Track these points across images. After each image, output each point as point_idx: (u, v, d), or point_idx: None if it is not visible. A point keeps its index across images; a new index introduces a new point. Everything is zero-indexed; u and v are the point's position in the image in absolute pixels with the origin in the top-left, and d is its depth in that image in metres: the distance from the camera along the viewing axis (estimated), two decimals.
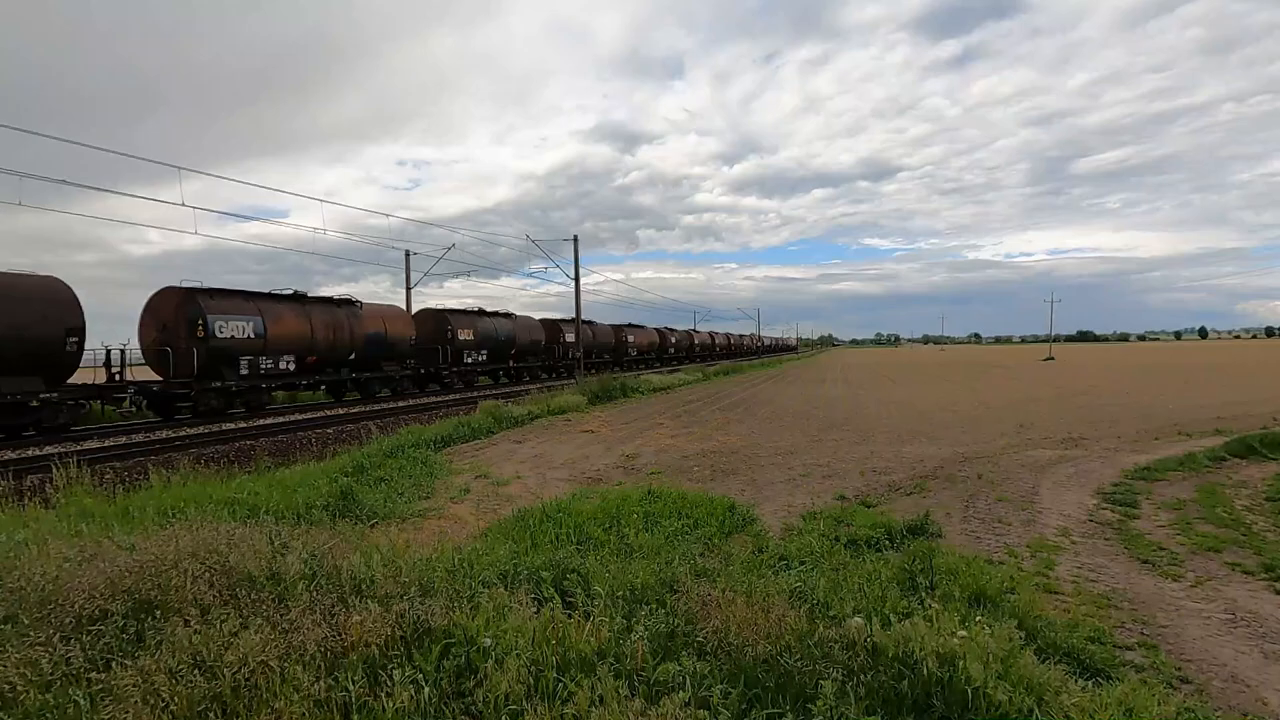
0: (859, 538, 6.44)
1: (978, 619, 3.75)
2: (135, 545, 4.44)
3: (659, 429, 16.48)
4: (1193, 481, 9.42)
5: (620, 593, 4.34)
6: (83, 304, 16.79)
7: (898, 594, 4.61)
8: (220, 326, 19.44)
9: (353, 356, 24.90)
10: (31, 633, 3.38)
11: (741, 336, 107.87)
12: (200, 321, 19.05)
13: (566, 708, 3.03)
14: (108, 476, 10.42)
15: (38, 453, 13.59)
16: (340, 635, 3.47)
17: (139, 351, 19.77)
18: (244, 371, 20.36)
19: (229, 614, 3.57)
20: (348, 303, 25.26)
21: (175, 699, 2.94)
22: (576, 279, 33.22)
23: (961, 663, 3.19)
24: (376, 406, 23.60)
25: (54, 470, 8.85)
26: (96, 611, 3.55)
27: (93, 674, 3.10)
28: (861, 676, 3.24)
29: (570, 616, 3.88)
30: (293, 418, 20.06)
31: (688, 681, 3.23)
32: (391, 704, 3.01)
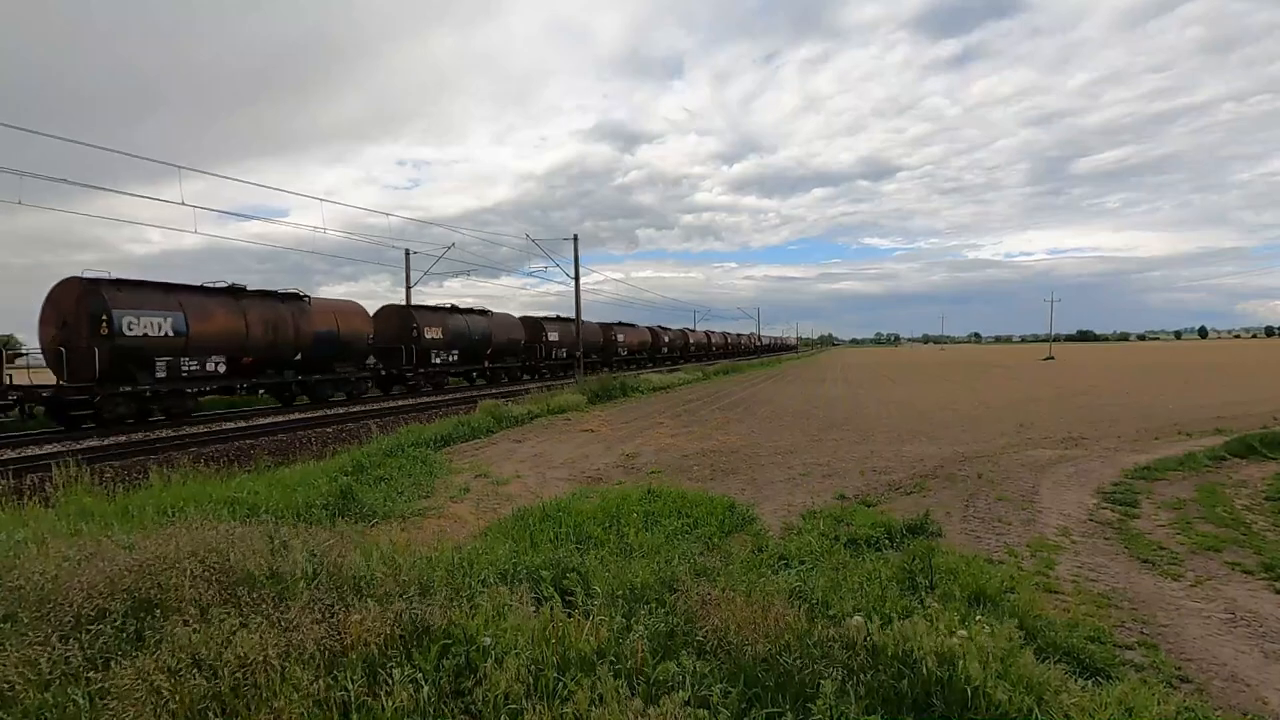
0: (859, 537, 6.44)
1: (978, 618, 3.75)
2: (135, 544, 4.45)
3: (659, 428, 16.48)
4: (1193, 481, 9.42)
5: (620, 592, 4.34)
6: None
7: (897, 593, 4.60)
8: (129, 323, 16.88)
9: (299, 357, 22.24)
10: (30, 631, 3.38)
11: (739, 336, 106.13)
12: (104, 317, 16.46)
13: (566, 707, 3.03)
14: (107, 475, 10.43)
15: (37, 451, 13.59)
16: (339, 634, 3.47)
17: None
18: (161, 374, 17.85)
19: (228, 613, 3.56)
20: (293, 297, 22.69)
21: (175, 698, 2.94)
22: (576, 278, 33.21)
23: (961, 662, 3.19)
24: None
25: (53, 469, 8.85)
26: (96, 610, 3.55)
27: (92, 673, 3.10)
28: (861, 676, 3.24)
29: (570, 616, 3.87)
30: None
31: (687, 681, 3.23)
32: (391, 703, 3.01)
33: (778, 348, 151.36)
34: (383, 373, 27.29)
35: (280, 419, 19.63)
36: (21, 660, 3.11)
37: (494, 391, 28.31)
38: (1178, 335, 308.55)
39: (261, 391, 22.50)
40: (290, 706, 2.96)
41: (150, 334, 17.43)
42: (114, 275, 17.47)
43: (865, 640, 3.50)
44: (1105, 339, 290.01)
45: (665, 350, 62.67)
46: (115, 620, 3.52)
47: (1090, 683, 3.54)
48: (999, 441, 13.32)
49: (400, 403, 24.64)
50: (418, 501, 8.78)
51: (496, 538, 6.21)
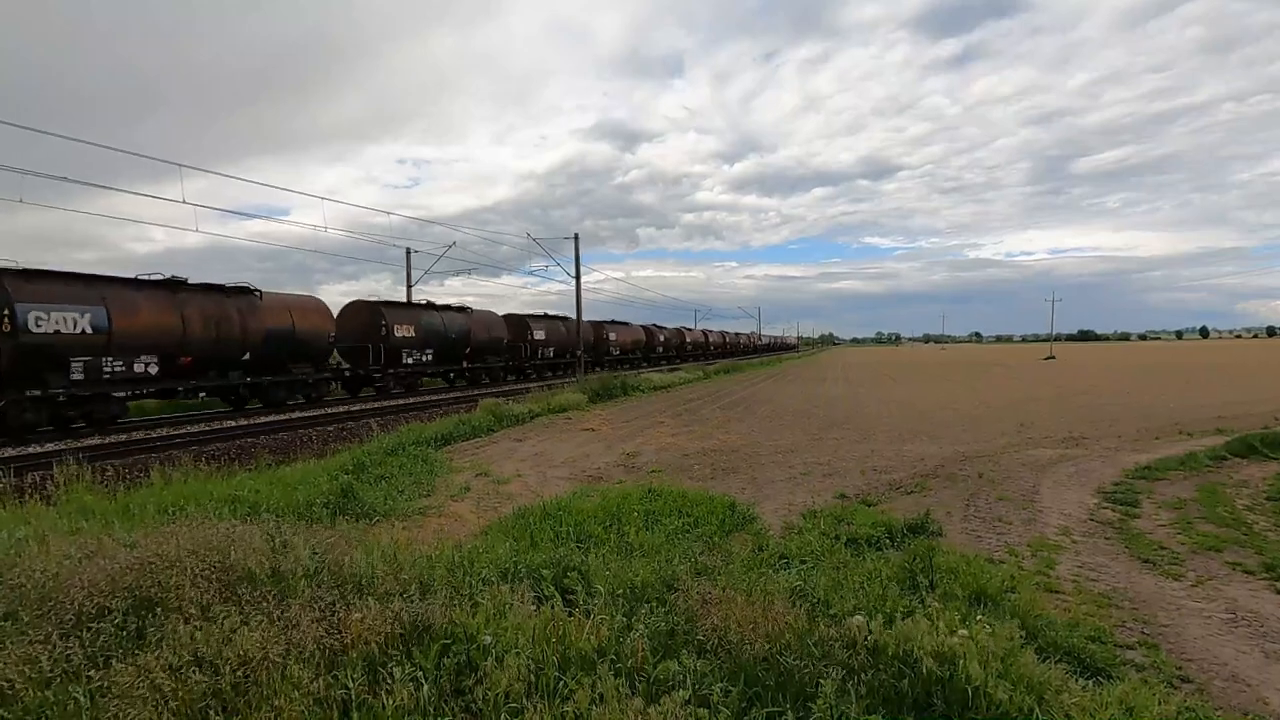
0: (859, 536, 6.44)
1: (978, 618, 3.74)
2: (136, 542, 4.45)
3: (659, 427, 16.48)
4: (1194, 481, 9.41)
5: (620, 591, 4.34)
6: None
7: (898, 593, 4.60)
8: (37, 319, 14.94)
9: (247, 356, 20.32)
10: (31, 629, 3.38)
11: (738, 335, 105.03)
12: (6, 312, 14.59)
13: (567, 706, 3.03)
14: (108, 474, 10.44)
15: (39, 450, 13.60)
16: (340, 632, 3.47)
17: None
18: (77, 376, 15.75)
19: (229, 611, 3.56)
20: (242, 291, 20.71)
21: (175, 696, 2.94)
22: (578, 277, 33.21)
23: (962, 662, 3.19)
24: (278, 418, 19.21)
25: (55, 467, 8.86)
26: (96, 608, 3.55)
27: (93, 671, 3.10)
28: (862, 675, 3.24)
29: (570, 614, 3.87)
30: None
31: (688, 680, 3.23)
32: (391, 701, 3.01)
33: (778, 347, 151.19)
34: (347, 373, 25.50)
35: (279, 418, 19.17)
36: (22, 658, 3.11)
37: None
38: (1179, 335, 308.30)
39: (203, 395, 20.28)
40: (291, 704, 2.96)
41: (63, 330, 15.41)
42: (22, 265, 15.47)
43: (866, 639, 3.50)
44: (1106, 339, 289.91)
45: (660, 350, 60.67)
46: (116, 618, 3.52)
47: (1091, 682, 3.53)
48: (1000, 441, 13.32)
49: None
50: (418, 500, 8.78)
51: (497, 536, 6.21)
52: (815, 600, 4.38)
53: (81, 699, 2.94)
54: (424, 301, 30.81)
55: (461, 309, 32.25)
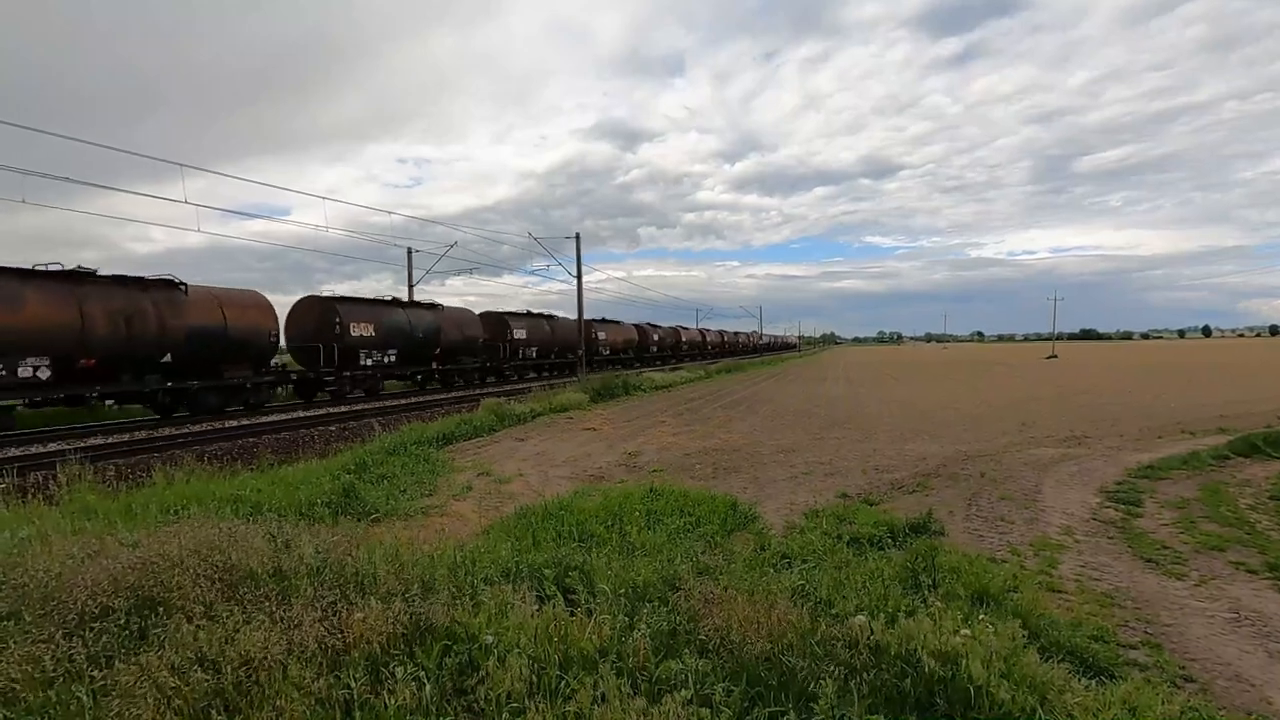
0: (861, 536, 6.43)
1: (981, 618, 3.73)
2: (138, 542, 4.45)
3: (661, 427, 16.48)
4: (1196, 480, 9.39)
5: (622, 590, 4.34)
6: None
7: (900, 592, 4.59)
8: None
9: (167, 358, 17.81)
10: (34, 629, 3.39)
11: (738, 334, 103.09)
12: None
13: (569, 705, 3.03)
14: (111, 474, 10.46)
15: (41, 450, 13.64)
16: (342, 632, 3.47)
17: None
18: None
19: (232, 611, 3.57)
20: (164, 284, 18.14)
21: (178, 695, 2.95)
22: (579, 277, 33.21)
23: (964, 661, 3.18)
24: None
25: (58, 467, 8.87)
26: (99, 608, 3.55)
27: (95, 670, 3.11)
28: (864, 675, 3.24)
29: (572, 614, 3.87)
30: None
31: (690, 679, 3.22)
32: (393, 701, 3.01)
33: (779, 346, 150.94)
34: (294, 376, 23.12)
35: (283, 417, 18.95)
36: (25, 658, 3.12)
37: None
38: (1181, 334, 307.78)
39: (110, 403, 17.50)
40: (293, 704, 2.96)
41: None
42: None
43: (868, 639, 3.50)
44: (1108, 338, 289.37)
45: (654, 350, 57.73)
46: (119, 618, 3.52)
47: (1094, 682, 3.53)
48: (1002, 440, 13.30)
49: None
50: (420, 499, 8.79)
51: (499, 536, 6.21)
52: (817, 600, 4.38)
53: (84, 699, 2.94)
54: (388, 298, 28.22)
55: (432, 306, 30.34)
